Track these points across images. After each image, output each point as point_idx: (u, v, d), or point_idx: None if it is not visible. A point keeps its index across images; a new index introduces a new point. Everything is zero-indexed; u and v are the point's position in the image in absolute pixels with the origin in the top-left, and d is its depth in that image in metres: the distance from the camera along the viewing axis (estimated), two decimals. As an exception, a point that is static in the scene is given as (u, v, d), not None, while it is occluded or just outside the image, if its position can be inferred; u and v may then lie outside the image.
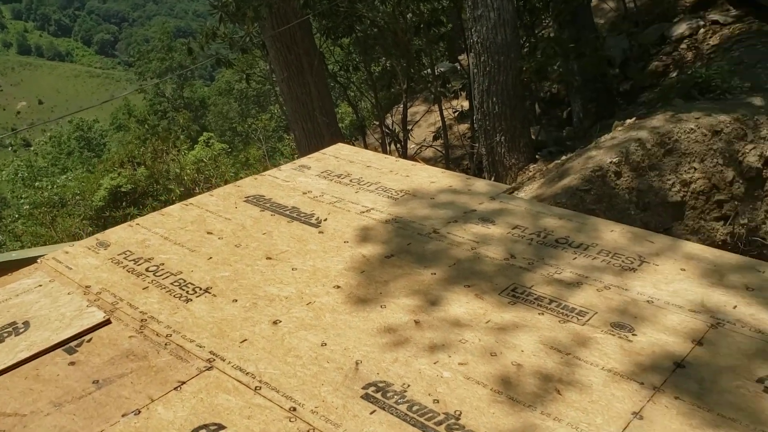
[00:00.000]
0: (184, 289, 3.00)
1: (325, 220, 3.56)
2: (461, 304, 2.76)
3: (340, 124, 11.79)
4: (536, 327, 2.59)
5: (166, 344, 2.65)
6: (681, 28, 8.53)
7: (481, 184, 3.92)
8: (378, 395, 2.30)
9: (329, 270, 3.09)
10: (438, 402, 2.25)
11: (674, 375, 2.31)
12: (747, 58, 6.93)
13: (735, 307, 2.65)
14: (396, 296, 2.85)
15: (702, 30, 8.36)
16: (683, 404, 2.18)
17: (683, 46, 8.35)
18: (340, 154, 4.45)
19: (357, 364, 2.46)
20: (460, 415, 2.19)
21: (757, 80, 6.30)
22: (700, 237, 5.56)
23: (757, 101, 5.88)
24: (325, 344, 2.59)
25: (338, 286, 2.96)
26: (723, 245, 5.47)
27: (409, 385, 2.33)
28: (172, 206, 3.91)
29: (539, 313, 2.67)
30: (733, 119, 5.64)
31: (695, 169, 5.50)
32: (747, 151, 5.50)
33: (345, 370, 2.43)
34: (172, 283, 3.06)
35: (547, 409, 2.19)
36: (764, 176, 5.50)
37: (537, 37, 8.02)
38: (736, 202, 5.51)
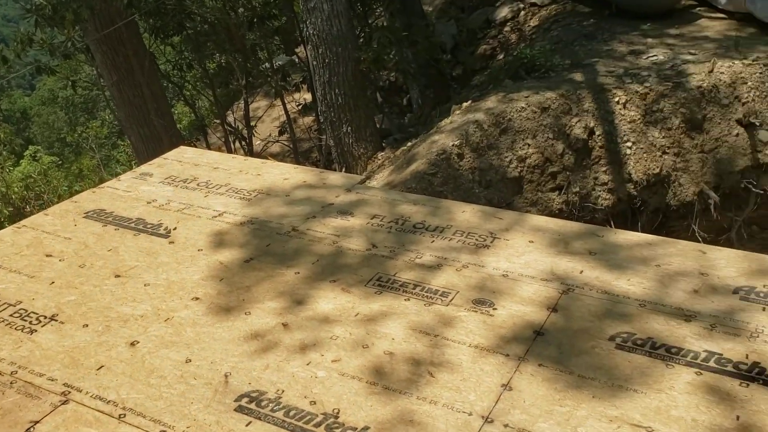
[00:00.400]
0: (26, 320, 2.75)
1: (175, 229, 3.40)
2: (328, 300, 2.74)
3: (178, 126, 11.33)
4: (404, 313, 2.63)
5: (11, 383, 2.41)
6: (503, 12, 8.99)
7: (335, 177, 3.91)
8: (252, 405, 2.23)
9: (185, 282, 2.95)
10: (315, 403, 2.22)
11: (535, 343, 2.43)
12: (564, 36, 7.43)
13: (581, 272, 2.83)
14: (260, 301, 2.78)
15: (522, 12, 8.86)
16: (547, 370, 2.30)
17: (507, 28, 8.81)
18: (183, 158, 4.26)
19: (226, 376, 2.37)
20: (338, 413, 2.17)
21: (575, 57, 6.77)
22: (539, 208, 5.92)
23: (578, 77, 6.33)
24: (190, 360, 2.47)
25: (197, 298, 2.84)
26: (560, 213, 5.85)
27: (283, 391, 2.28)
28: (2, 230, 3.56)
29: (405, 299, 2.71)
30: (558, 95, 6.03)
31: (529, 144, 5.83)
32: (573, 124, 5.91)
33: (214, 385, 2.34)
34: (11, 315, 2.78)
35: (422, 393, 2.23)
36: (590, 146, 5.93)
37: (371, 27, 8.13)
38: (567, 173, 5.90)
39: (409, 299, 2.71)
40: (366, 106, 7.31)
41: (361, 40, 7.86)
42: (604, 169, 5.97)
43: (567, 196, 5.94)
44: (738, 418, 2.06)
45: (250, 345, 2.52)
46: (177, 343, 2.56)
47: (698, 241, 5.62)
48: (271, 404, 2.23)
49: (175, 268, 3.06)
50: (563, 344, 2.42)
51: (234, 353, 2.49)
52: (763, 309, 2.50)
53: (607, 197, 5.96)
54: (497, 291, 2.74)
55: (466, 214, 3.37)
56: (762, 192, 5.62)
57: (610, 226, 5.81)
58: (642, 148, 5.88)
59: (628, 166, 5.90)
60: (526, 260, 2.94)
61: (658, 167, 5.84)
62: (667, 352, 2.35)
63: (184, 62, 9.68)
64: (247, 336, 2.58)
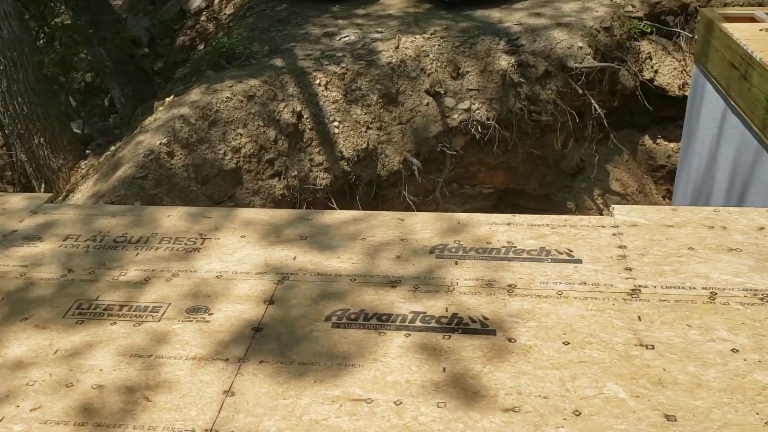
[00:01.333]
0: None
1: None
2: (20, 342, 2.43)
3: None
4: (111, 339, 2.42)
5: None
6: (197, 2, 8.76)
7: (16, 200, 3.47)
8: (-66, 486, 1.90)
9: None
10: (14, 463, 1.95)
11: (254, 341, 2.39)
12: (260, 23, 7.45)
13: (295, 258, 2.85)
14: (-67, 359, 2.37)
15: (216, 1, 8.71)
16: (268, 366, 2.27)
17: (203, 17, 8.61)
18: None
19: None
20: (43, 467, 1.94)
21: (273, 43, 6.83)
22: (262, 196, 5.91)
23: (279, 62, 6.39)
24: None
25: None
26: (283, 199, 5.91)
27: (-28, 459, 1.97)
28: None
29: (111, 324, 2.50)
30: (262, 82, 6.04)
31: (241, 134, 5.77)
32: (281, 109, 5.97)
33: None
34: None
35: (139, 421, 2.07)
36: (301, 129, 6.05)
37: (51, 27, 7.40)
38: (284, 158, 5.96)
39: (115, 323, 2.50)
40: (58, 113, 6.67)
41: (42, 41, 7.13)
42: (317, 150, 6.13)
43: (287, 180, 6.01)
44: (444, 369, 2.22)
45: (-76, 415, 2.14)
46: None
47: (409, 204, 6.06)
48: (-42, 479, 1.92)
49: None
50: (282, 335, 2.41)
51: None
52: (456, 263, 2.73)
53: (325, 176, 6.15)
54: (212, 295, 2.65)
55: (171, 218, 3.21)
56: (455, 153, 6.21)
57: (331, 204, 6.01)
58: (348, 126, 6.14)
59: (338, 144, 6.12)
60: (239, 257, 2.88)
61: (365, 142, 6.14)
62: (378, 321, 2.45)
63: None
64: None
